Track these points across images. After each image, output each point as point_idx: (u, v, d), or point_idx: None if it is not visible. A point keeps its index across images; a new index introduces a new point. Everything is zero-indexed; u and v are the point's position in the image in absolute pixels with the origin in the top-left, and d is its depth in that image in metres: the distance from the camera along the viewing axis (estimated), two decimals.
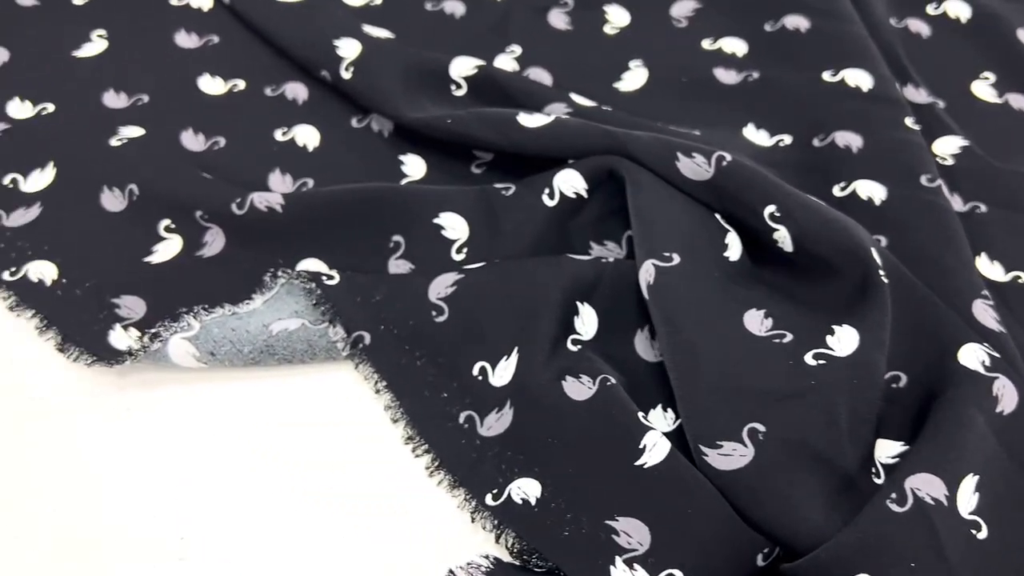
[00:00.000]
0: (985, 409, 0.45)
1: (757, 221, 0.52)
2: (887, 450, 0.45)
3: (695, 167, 0.53)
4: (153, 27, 0.69)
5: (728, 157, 0.52)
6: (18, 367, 0.52)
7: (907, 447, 0.45)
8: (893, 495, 0.41)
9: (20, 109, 0.63)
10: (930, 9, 0.72)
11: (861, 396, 0.45)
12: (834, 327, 0.47)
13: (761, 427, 0.43)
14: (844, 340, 0.46)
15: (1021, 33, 0.70)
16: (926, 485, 0.41)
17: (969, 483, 0.42)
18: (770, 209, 0.51)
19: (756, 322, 0.48)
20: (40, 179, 0.59)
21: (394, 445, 0.49)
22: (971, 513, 0.42)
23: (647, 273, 0.49)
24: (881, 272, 0.48)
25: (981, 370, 0.47)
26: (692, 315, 0.47)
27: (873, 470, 0.45)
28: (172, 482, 0.47)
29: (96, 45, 0.67)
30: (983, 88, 0.67)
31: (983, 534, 0.42)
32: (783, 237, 0.51)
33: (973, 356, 0.47)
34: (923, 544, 0.40)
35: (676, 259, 0.49)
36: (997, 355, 0.48)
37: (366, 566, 0.45)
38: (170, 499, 0.47)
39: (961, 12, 0.72)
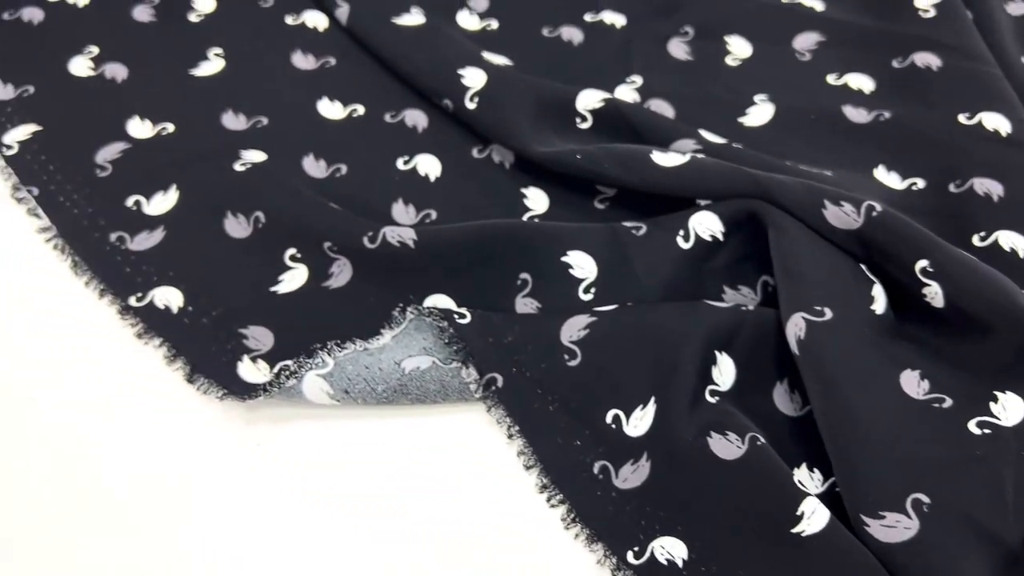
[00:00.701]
0: None
1: (907, 275, 0.50)
2: None
3: (843, 216, 0.51)
4: (269, 47, 0.69)
5: (878, 207, 0.51)
6: (141, 390, 0.52)
7: None
8: None
9: (140, 128, 0.63)
10: None
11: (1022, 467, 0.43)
12: (997, 393, 0.46)
13: (926, 498, 0.42)
14: (1010, 408, 0.45)
15: None
16: None
17: None
18: (922, 264, 0.49)
19: (913, 384, 0.46)
20: (163, 202, 0.59)
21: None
22: None
23: (796, 327, 0.47)
24: None
25: None
26: (847, 375, 0.46)
27: None
28: (302, 519, 0.47)
29: (213, 64, 0.67)
30: None
31: None
32: (934, 293, 0.49)
33: None
34: None
35: (828, 314, 0.48)
36: None
37: None
38: (299, 538, 0.47)
39: None
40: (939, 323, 0.50)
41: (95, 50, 0.68)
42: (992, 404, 0.45)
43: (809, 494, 0.43)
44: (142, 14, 0.70)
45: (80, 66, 0.67)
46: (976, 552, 0.42)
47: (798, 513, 0.42)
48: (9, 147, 0.61)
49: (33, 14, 0.69)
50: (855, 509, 0.42)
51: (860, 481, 0.43)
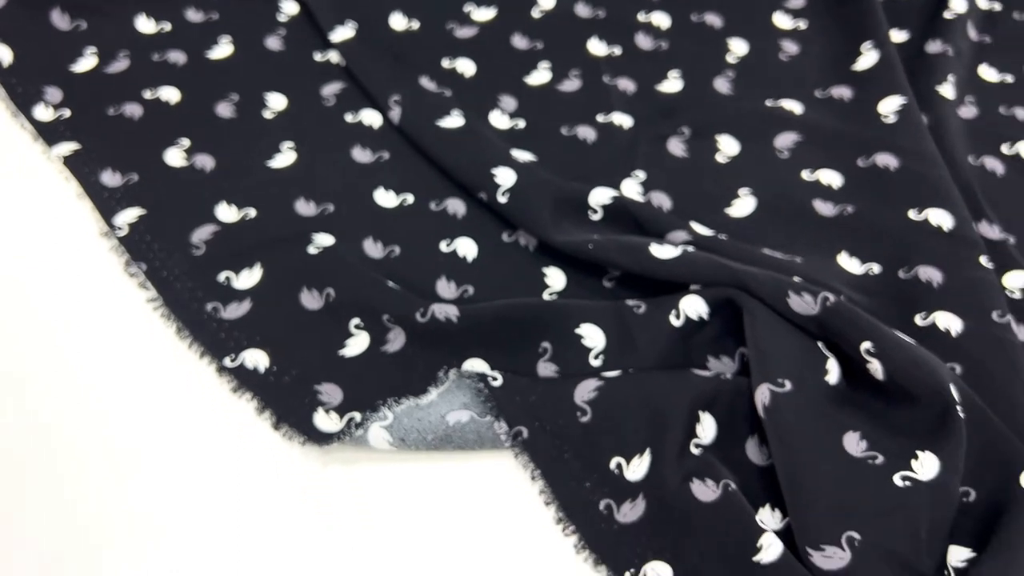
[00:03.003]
0: None
1: (854, 353, 0.61)
2: (958, 555, 0.54)
3: (803, 304, 0.63)
4: (333, 141, 0.80)
5: (832, 298, 0.62)
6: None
7: (974, 554, 0.55)
8: None
9: (227, 213, 0.73)
10: (1004, 149, 0.82)
11: (939, 514, 0.54)
12: (918, 452, 0.56)
13: (857, 535, 0.53)
14: (927, 465, 0.56)
15: None
16: None
17: None
18: (866, 345, 0.60)
19: (853, 443, 0.57)
20: (249, 278, 0.69)
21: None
22: None
23: (763, 396, 0.59)
24: (959, 407, 0.57)
25: None
26: (801, 435, 0.57)
27: (946, 572, 0.54)
28: (365, 546, 0.58)
29: (286, 156, 0.78)
30: None
31: None
32: (876, 368, 0.60)
33: None
34: None
35: (788, 386, 0.59)
36: None
37: None
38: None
39: None
40: (880, 393, 0.61)
41: (187, 143, 0.78)
42: (913, 461, 0.56)
43: (767, 530, 0.54)
44: (224, 111, 0.81)
45: (175, 157, 0.77)
46: None
47: (758, 545, 0.53)
48: (120, 228, 0.71)
49: (134, 110, 0.80)
50: (802, 542, 0.53)
51: (806, 520, 0.54)
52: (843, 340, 0.62)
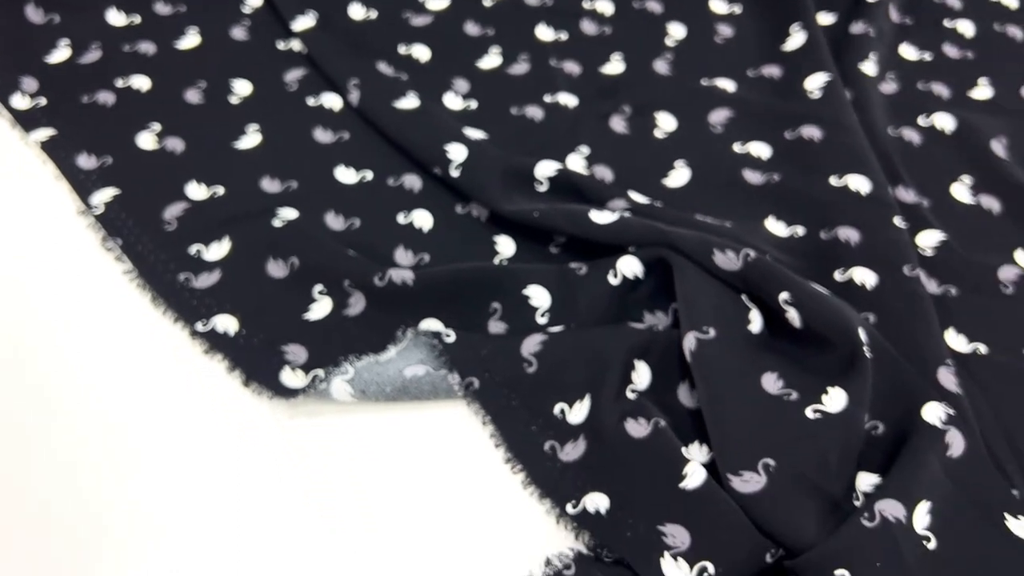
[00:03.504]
0: (938, 453, 0.60)
1: (774, 303, 0.67)
2: (866, 481, 0.60)
3: (727, 260, 0.68)
4: (296, 124, 0.85)
5: (752, 254, 0.68)
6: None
7: (881, 479, 0.61)
8: (866, 514, 0.56)
9: (197, 191, 0.78)
10: (921, 120, 0.88)
11: (846, 443, 0.60)
12: (828, 388, 0.62)
13: (772, 462, 0.59)
14: (835, 399, 0.62)
15: (993, 143, 0.85)
16: (890, 507, 0.56)
17: (923, 507, 0.57)
18: (784, 296, 0.66)
19: (771, 382, 0.63)
20: (219, 250, 0.74)
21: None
22: (924, 529, 0.57)
23: (690, 343, 0.65)
24: (866, 348, 0.63)
25: (938, 424, 0.62)
26: (722, 376, 0.63)
27: (855, 496, 0.59)
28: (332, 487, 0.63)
29: (252, 138, 0.83)
30: (961, 190, 0.83)
31: (932, 545, 0.57)
32: (793, 317, 0.66)
33: (933, 413, 0.62)
34: (886, 550, 0.55)
35: (712, 332, 0.65)
36: (952, 412, 0.63)
37: None
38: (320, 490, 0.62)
39: (946, 124, 0.88)
40: (797, 339, 0.67)
41: (158, 127, 0.83)
42: (824, 396, 0.62)
43: (690, 460, 0.59)
44: (193, 97, 0.86)
45: (147, 140, 0.82)
46: (807, 500, 0.58)
47: (683, 473, 0.58)
48: (96, 207, 0.76)
49: (107, 98, 0.85)
50: (723, 469, 0.59)
51: (726, 450, 0.59)
52: (763, 292, 0.68)
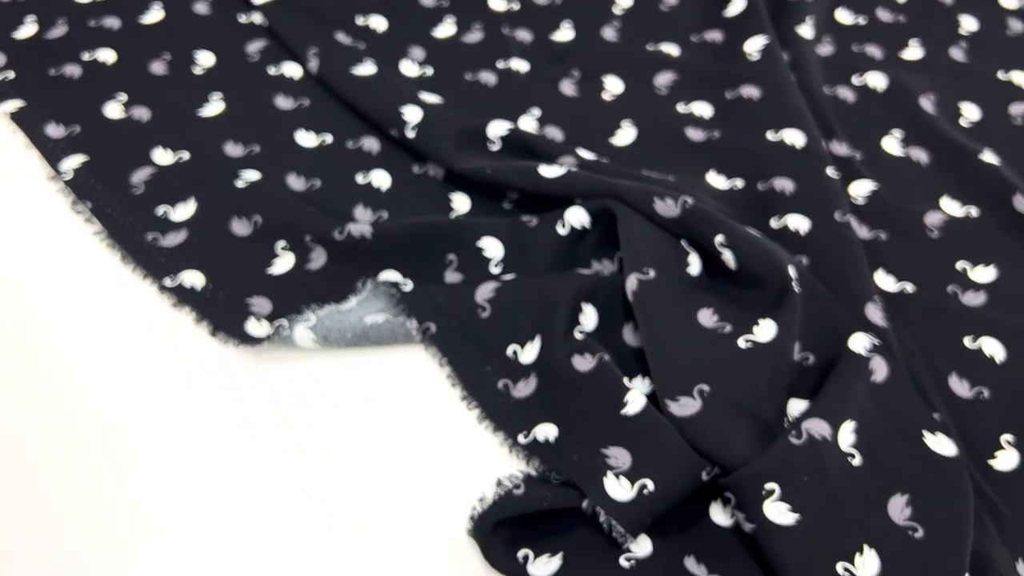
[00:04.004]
0: (862, 378, 0.65)
1: (710, 246, 0.71)
2: (797, 407, 0.64)
3: (666, 207, 0.73)
4: (258, 91, 0.88)
5: (690, 200, 0.72)
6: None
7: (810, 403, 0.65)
8: (793, 432, 0.60)
9: (163, 157, 0.81)
10: (855, 80, 0.93)
11: (775, 370, 0.64)
12: (759, 320, 0.67)
13: (707, 388, 0.63)
14: (766, 330, 0.66)
15: (922, 99, 0.90)
16: (816, 426, 0.60)
17: (848, 426, 0.61)
18: (719, 238, 0.70)
19: (706, 317, 0.68)
20: (185, 211, 0.77)
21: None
22: (850, 447, 0.61)
23: (632, 284, 0.69)
24: (795, 283, 0.68)
25: (863, 352, 0.66)
26: (661, 312, 0.67)
27: (786, 420, 0.64)
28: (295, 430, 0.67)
29: (215, 106, 0.86)
30: (891, 143, 0.87)
31: (856, 461, 0.61)
32: (728, 258, 0.70)
33: (859, 342, 0.67)
34: (813, 465, 0.59)
35: (652, 273, 0.69)
36: (878, 341, 0.68)
37: None
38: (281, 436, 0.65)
39: (878, 83, 0.93)
40: (733, 278, 0.71)
41: (124, 97, 0.86)
42: (755, 327, 0.66)
43: (632, 389, 0.64)
44: (158, 68, 0.89)
45: (114, 110, 0.85)
46: (739, 422, 0.62)
47: (624, 401, 0.62)
48: (65, 173, 0.79)
49: (73, 70, 0.88)
50: (660, 395, 0.63)
51: (664, 378, 0.63)
52: (701, 235, 0.72)
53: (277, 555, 0.60)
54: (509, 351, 0.69)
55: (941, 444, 0.63)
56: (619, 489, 0.59)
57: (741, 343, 0.66)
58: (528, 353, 0.69)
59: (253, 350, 0.69)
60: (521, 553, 0.58)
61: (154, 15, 0.95)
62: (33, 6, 0.94)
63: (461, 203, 0.81)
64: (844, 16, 1.01)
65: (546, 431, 0.64)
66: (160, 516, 0.61)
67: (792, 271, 0.69)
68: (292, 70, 0.91)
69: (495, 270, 0.74)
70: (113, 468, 0.63)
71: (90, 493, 0.62)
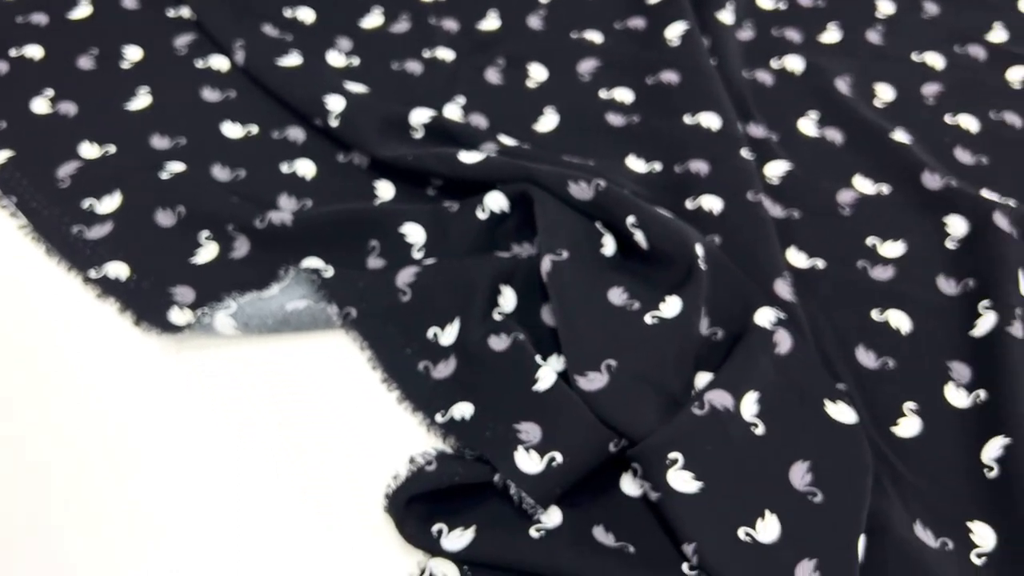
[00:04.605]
0: (767, 351, 0.67)
1: (622, 227, 0.73)
2: (704, 379, 0.66)
3: (580, 190, 0.74)
4: (185, 85, 0.89)
5: (603, 183, 0.74)
6: (104, 340, 0.71)
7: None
8: (697, 403, 0.62)
9: (90, 150, 0.82)
10: (773, 63, 0.96)
11: (681, 344, 0.67)
12: (666, 297, 0.69)
13: (614, 362, 0.65)
14: (672, 306, 0.68)
15: (838, 81, 0.93)
16: (718, 397, 0.63)
17: (751, 397, 0.64)
18: (631, 219, 0.72)
19: (617, 295, 0.69)
20: (110, 203, 0.78)
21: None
22: (753, 416, 0.63)
23: (546, 265, 0.70)
24: (701, 261, 0.70)
25: (768, 326, 0.68)
26: (573, 291, 0.69)
27: (692, 393, 0.66)
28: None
29: (142, 100, 0.87)
30: (807, 124, 0.90)
31: (760, 430, 0.63)
32: (640, 238, 0.72)
33: (764, 316, 0.69)
34: (715, 434, 0.61)
35: (565, 255, 0.71)
36: (783, 316, 0.70)
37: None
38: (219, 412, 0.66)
39: (796, 66, 0.95)
40: (645, 258, 0.73)
41: (51, 92, 0.87)
42: (661, 304, 0.68)
43: (543, 366, 0.66)
44: (86, 63, 0.90)
45: (40, 105, 0.86)
46: (645, 395, 0.64)
47: (536, 378, 0.64)
48: None
49: (0, 67, 0.89)
50: (570, 371, 0.64)
51: (574, 354, 0.65)
52: (613, 217, 0.74)
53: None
54: (430, 334, 0.71)
55: (842, 412, 0.66)
56: (529, 462, 0.61)
57: (648, 319, 0.68)
58: (448, 335, 0.70)
59: (174, 338, 0.70)
60: (435, 527, 0.60)
61: (82, 11, 0.96)
62: None
63: (385, 190, 0.82)
64: (764, 1, 1.03)
65: (462, 410, 0.66)
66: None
67: (699, 249, 0.71)
68: (219, 63, 0.92)
69: (417, 255, 0.76)
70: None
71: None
